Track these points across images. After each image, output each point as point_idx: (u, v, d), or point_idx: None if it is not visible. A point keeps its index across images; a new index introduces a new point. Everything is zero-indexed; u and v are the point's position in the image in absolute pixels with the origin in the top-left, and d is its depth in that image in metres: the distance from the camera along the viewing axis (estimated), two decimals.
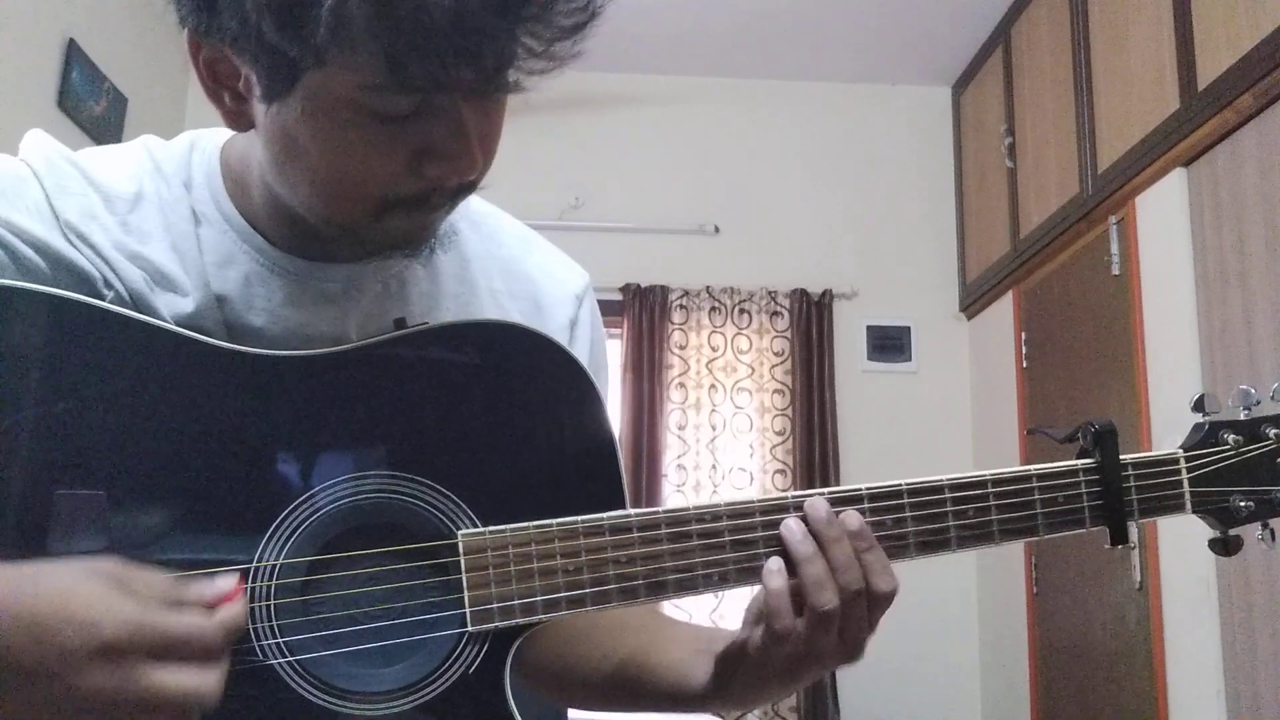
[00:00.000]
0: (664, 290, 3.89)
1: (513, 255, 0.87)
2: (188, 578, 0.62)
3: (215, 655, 0.59)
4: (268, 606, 0.67)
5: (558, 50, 0.60)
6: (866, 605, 0.71)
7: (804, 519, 0.72)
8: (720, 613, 3.54)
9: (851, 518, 0.72)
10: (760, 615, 0.72)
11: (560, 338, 0.82)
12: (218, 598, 0.61)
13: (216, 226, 0.76)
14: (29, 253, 0.69)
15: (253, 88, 0.63)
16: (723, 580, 0.72)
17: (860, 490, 0.74)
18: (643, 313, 3.85)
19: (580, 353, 0.85)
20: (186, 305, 0.73)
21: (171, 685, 0.57)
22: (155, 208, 0.75)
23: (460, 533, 0.70)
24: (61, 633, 0.55)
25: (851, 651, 0.72)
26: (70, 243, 0.71)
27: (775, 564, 0.71)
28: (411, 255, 0.75)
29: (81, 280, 0.70)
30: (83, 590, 0.57)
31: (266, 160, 0.69)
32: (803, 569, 0.70)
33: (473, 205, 0.86)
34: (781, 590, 0.70)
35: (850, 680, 3.63)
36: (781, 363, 3.86)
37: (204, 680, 0.58)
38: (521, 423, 0.73)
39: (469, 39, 0.56)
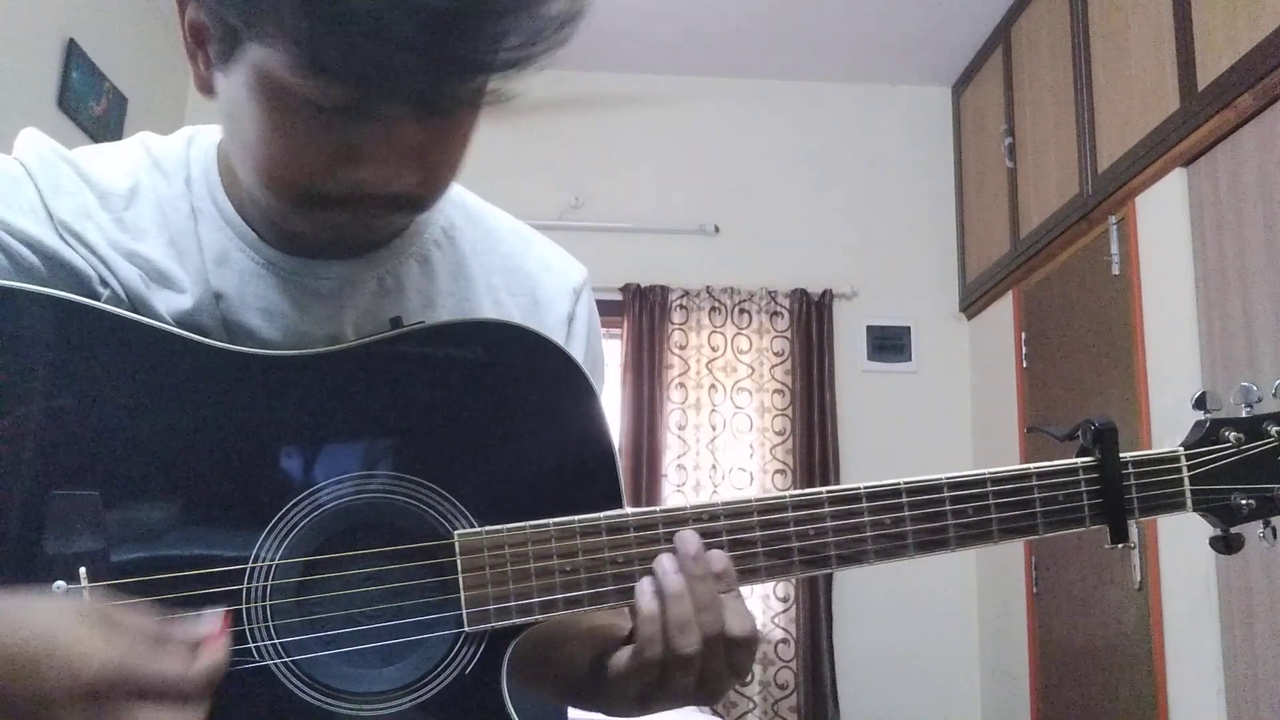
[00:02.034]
0: (664, 290, 3.88)
1: (510, 251, 0.86)
2: (173, 619, 0.62)
3: (196, 699, 0.59)
4: (263, 607, 0.66)
5: (489, 67, 0.58)
6: (725, 649, 0.69)
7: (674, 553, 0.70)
8: None
9: (717, 557, 0.70)
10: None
11: (557, 333, 0.82)
12: (201, 639, 0.61)
13: (213, 223, 0.75)
14: (24, 252, 0.69)
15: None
16: None
17: (859, 490, 0.74)
18: (643, 313, 3.85)
19: (576, 348, 0.84)
20: (184, 302, 0.72)
21: None
22: (151, 203, 0.74)
23: (456, 533, 0.70)
24: (42, 673, 0.55)
25: (710, 696, 0.70)
26: (65, 241, 0.70)
27: (649, 585, 0.69)
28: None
29: (77, 279, 0.70)
30: (66, 631, 0.56)
31: (223, 132, 0.69)
32: (670, 606, 0.68)
33: (470, 202, 0.86)
34: (655, 616, 0.68)
35: (850, 680, 3.63)
36: (781, 363, 3.85)
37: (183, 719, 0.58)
38: (518, 422, 0.73)
39: (388, 35, 0.54)
